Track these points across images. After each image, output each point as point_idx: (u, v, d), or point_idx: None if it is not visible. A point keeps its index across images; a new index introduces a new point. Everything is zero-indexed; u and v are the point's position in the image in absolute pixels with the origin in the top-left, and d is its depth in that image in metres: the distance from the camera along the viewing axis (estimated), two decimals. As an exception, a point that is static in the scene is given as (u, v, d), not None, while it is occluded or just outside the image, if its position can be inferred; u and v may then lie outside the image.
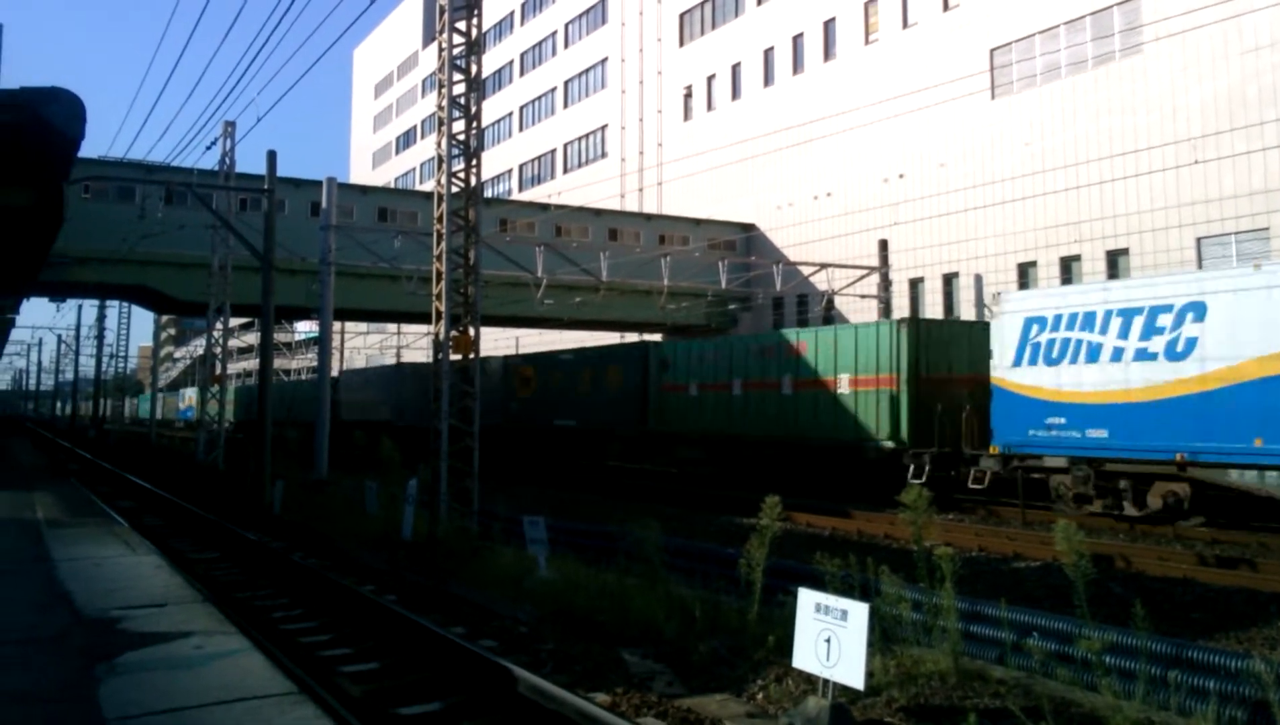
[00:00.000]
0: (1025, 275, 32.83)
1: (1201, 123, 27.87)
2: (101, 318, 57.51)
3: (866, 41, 39.22)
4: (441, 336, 14.86)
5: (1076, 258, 31.29)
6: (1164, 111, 28.98)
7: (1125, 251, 29.87)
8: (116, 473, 28.36)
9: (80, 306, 62.92)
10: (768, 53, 44.10)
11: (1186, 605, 11.22)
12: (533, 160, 62.61)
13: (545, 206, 43.49)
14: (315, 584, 11.38)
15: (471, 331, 15.06)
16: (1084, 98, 31.28)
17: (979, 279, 33.83)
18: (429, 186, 31.07)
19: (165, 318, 69.34)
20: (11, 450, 34.70)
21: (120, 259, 31.46)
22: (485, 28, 17.07)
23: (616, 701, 6.89)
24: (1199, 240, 28.00)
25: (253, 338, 67.79)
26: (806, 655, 6.33)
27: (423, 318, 33.27)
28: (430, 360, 16.24)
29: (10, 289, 23.38)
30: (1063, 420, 17.93)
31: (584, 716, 6.23)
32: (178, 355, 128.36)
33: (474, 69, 15.05)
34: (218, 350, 32.53)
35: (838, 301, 37.17)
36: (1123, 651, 6.91)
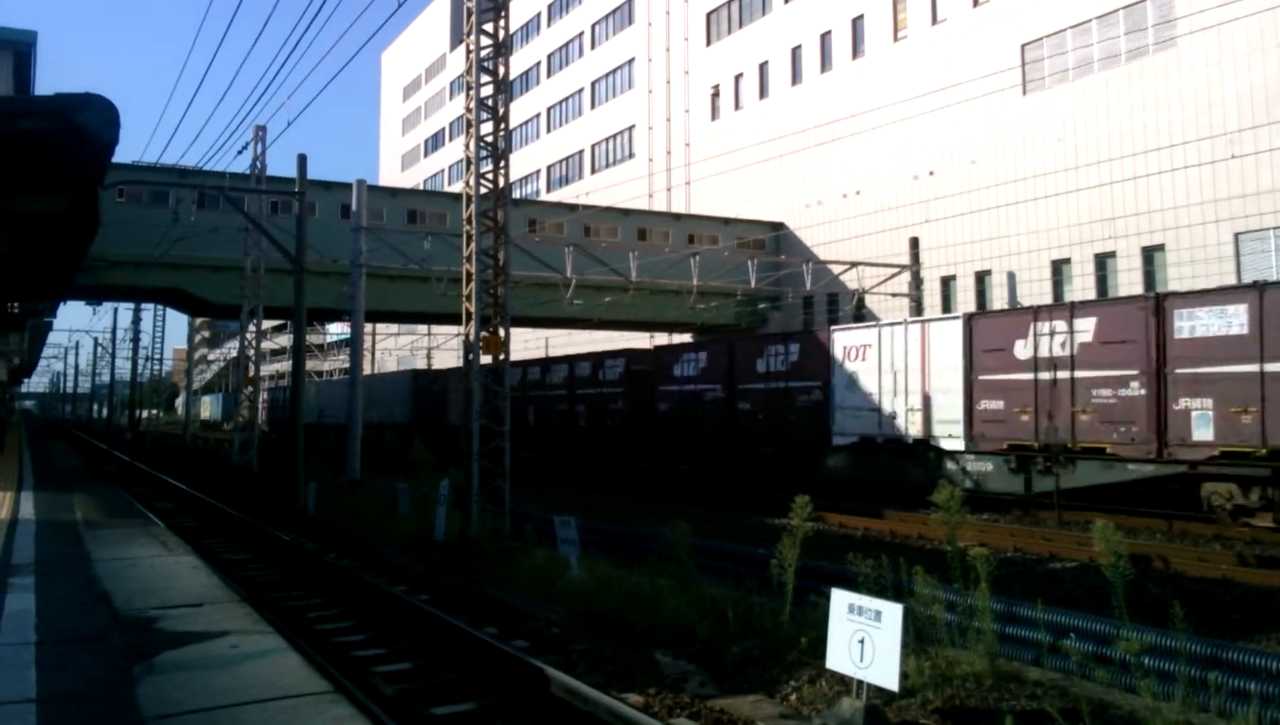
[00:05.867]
0: (1059, 272, 32.51)
1: (1238, 116, 27.47)
2: (137, 321, 58.20)
3: (895, 38, 38.97)
4: (472, 337, 14.91)
5: (1111, 254, 30.94)
6: (1199, 106, 28.58)
7: (1161, 247, 29.50)
8: (153, 474, 28.69)
9: (116, 310, 63.57)
10: (795, 51, 43.93)
11: (1226, 606, 11.05)
12: (561, 161, 62.75)
13: (573, 207, 43.55)
14: (349, 584, 11.46)
15: (501, 332, 15.10)
16: (1117, 92, 30.92)
17: (1012, 277, 33.55)
18: (458, 188, 31.21)
19: (199, 320, 70.16)
20: (50, 452, 35.20)
21: (154, 262, 31.81)
22: (512, 30, 17.10)
23: (649, 702, 6.88)
24: (1237, 236, 27.60)
25: (285, 340, 68.40)
26: (840, 656, 6.29)
27: (453, 319, 33.40)
28: (463, 361, 16.28)
29: (48, 293, 23.73)
30: None
31: (617, 717, 6.22)
32: (211, 357, 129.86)
33: (501, 71, 15.08)
34: (251, 352, 32.83)
35: (868, 300, 36.98)
36: (1161, 653, 6.82)
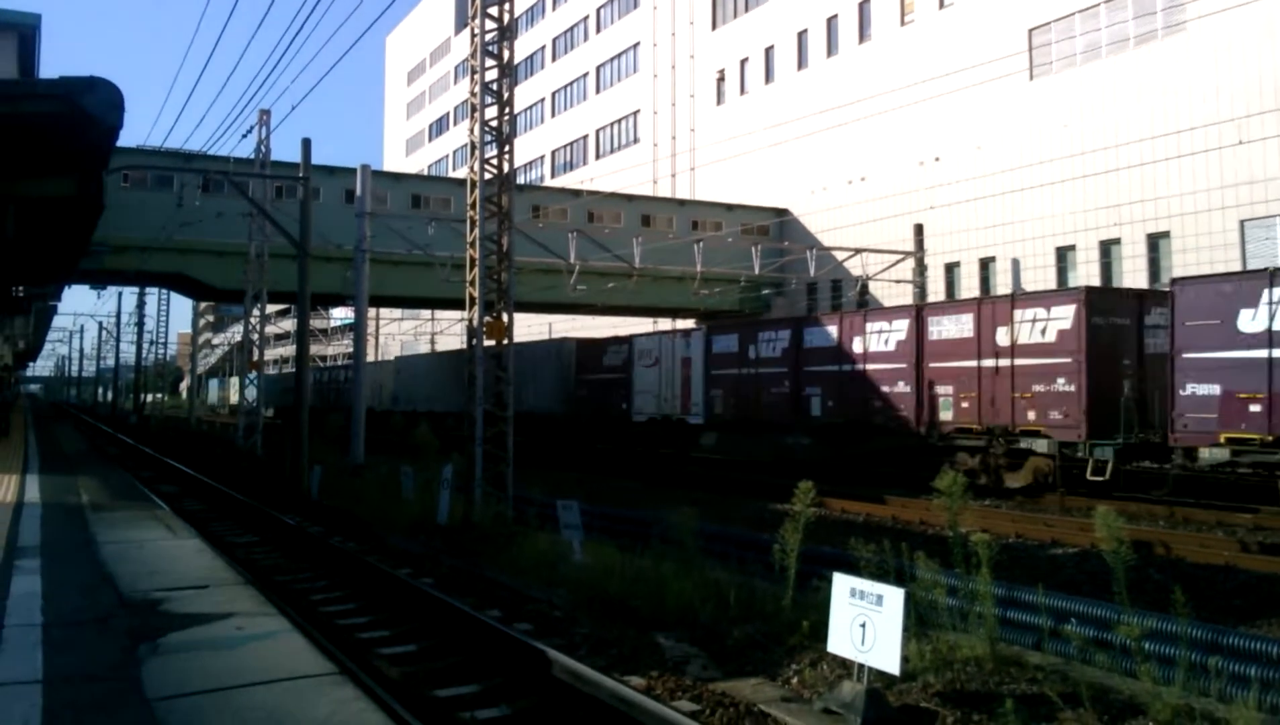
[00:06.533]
0: (1064, 259, 32.44)
1: (1246, 103, 27.34)
2: (141, 305, 58.33)
3: (902, 22, 38.81)
4: (475, 322, 14.92)
5: (1116, 241, 30.86)
6: (1207, 92, 28.45)
7: (1166, 235, 29.42)
8: (157, 458, 28.78)
9: (120, 294, 63.64)
10: (801, 35, 43.77)
11: (1228, 592, 11.08)
12: (565, 146, 62.63)
13: (578, 192, 43.49)
14: (353, 567, 11.51)
15: (505, 317, 15.11)
16: (1125, 78, 30.78)
17: (1016, 263, 33.48)
18: (462, 173, 31.13)
19: (203, 305, 70.19)
20: (55, 436, 35.32)
21: (159, 247, 31.85)
22: (517, 13, 17.05)
23: (651, 685, 6.91)
24: (1242, 222, 27.52)
25: (289, 324, 68.46)
26: (841, 640, 6.32)
27: (456, 304, 33.38)
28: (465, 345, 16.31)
29: (52, 276, 23.77)
30: None
31: (619, 699, 6.26)
32: (216, 342, 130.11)
33: (506, 55, 15.05)
34: (255, 337, 32.89)
35: (872, 286, 36.93)
36: (1162, 638, 6.84)
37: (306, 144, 23.23)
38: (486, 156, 14.96)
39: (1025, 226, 33.07)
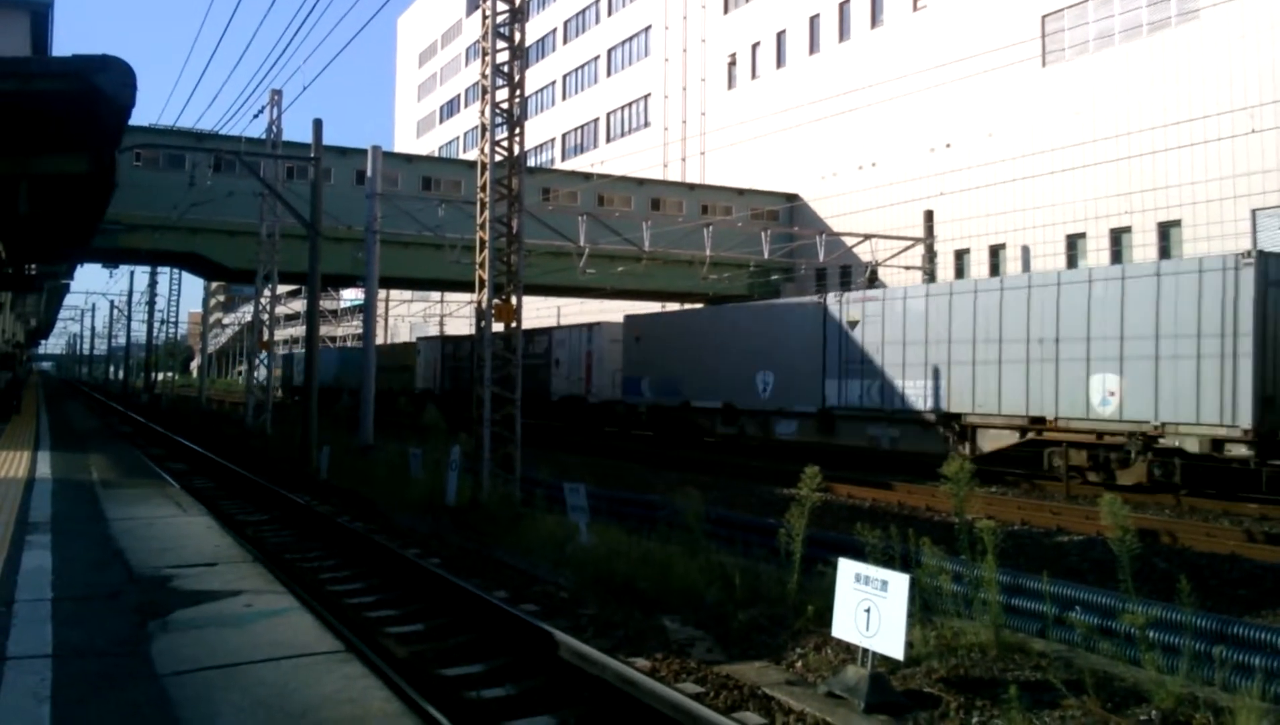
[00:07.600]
0: (1074, 247, 32.30)
1: (1259, 91, 27.14)
2: (153, 284, 58.47)
3: (915, 8, 38.56)
4: (485, 305, 14.93)
5: (1127, 229, 30.72)
6: (1220, 80, 28.25)
7: (1178, 223, 29.26)
8: (168, 436, 28.92)
9: (132, 273, 64.01)
10: (813, 20, 43.53)
11: (1233, 582, 11.09)
12: (575, 129, 62.45)
13: (588, 176, 43.39)
14: (361, 547, 11.58)
15: (514, 300, 15.11)
16: (1138, 65, 30.57)
17: (1026, 250, 33.36)
18: (472, 155, 30.99)
19: (214, 284, 70.28)
20: (67, 413, 35.47)
21: (170, 226, 31.90)
22: (529, -5, 16.98)
23: (656, 667, 6.95)
24: (1254, 212, 27.36)
25: (299, 305, 68.33)
26: (846, 625, 6.34)
27: (466, 286, 33.27)
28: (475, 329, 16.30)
29: (65, 254, 23.87)
30: None
31: (624, 681, 6.30)
32: (226, 321, 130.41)
33: (517, 37, 15.00)
34: (265, 317, 32.96)
35: (881, 272, 36.82)
36: (1167, 626, 6.85)
37: (318, 125, 23.25)
38: (497, 139, 14.93)
39: (1036, 214, 32.92)
